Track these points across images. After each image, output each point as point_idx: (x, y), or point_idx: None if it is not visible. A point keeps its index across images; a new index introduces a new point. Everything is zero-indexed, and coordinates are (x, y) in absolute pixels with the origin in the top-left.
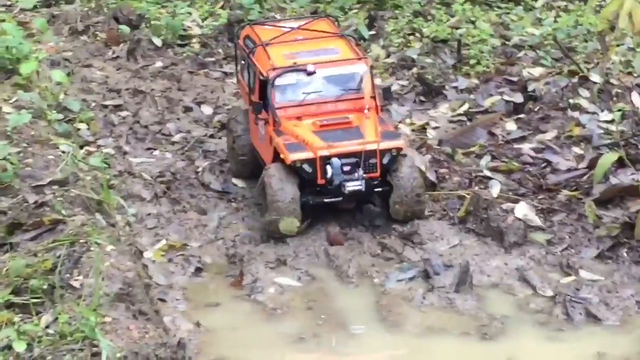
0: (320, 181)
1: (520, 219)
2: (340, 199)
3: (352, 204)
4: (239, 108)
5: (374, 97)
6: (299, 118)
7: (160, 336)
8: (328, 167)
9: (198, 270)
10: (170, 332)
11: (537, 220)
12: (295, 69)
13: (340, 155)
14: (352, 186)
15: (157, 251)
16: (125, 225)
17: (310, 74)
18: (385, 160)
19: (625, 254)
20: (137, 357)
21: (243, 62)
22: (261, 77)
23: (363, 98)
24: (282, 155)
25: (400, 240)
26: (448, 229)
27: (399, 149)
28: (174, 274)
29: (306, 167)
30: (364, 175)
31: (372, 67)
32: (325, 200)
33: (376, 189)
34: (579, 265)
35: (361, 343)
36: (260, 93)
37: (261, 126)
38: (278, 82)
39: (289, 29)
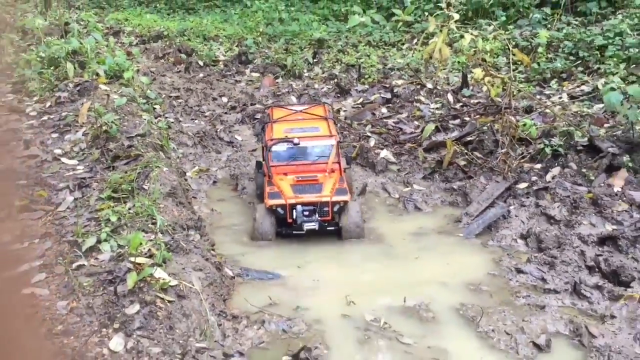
0: (289, 220)
1: (383, 158)
2: (303, 232)
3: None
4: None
5: (338, 162)
6: (285, 174)
7: (190, 216)
8: (294, 211)
9: (215, 182)
10: (196, 214)
11: (392, 159)
12: (285, 140)
13: (303, 204)
14: (309, 226)
15: (193, 172)
16: (177, 159)
17: (295, 144)
18: (335, 209)
19: (437, 177)
20: (176, 225)
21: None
22: (263, 145)
23: (330, 163)
24: (264, 200)
25: None
26: (364, 174)
27: (345, 202)
28: (201, 184)
29: (280, 210)
30: (319, 219)
31: (338, 142)
32: (293, 232)
33: (328, 228)
34: (413, 182)
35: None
36: (263, 155)
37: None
38: (274, 148)
39: (294, 111)
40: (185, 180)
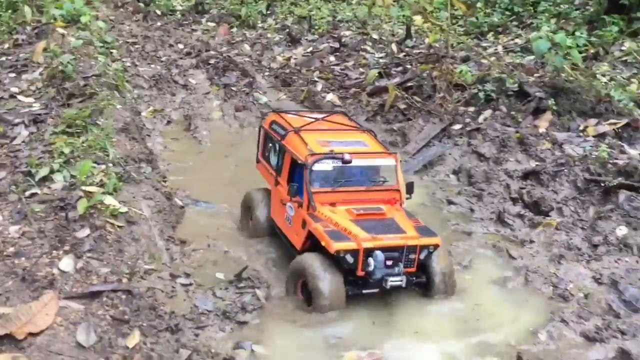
0: (360, 273)
1: (329, 101)
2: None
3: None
4: (257, 190)
5: (399, 190)
6: (333, 204)
7: (142, 150)
8: (370, 260)
9: (169, 122)
10: (150, 150)
11: (337, 102)
12: (332, 156)
13: (384, 249)
14: (394, 282)
15: (148, 112)
16: (132, 99)
17: (346, 162)
18: (422, 256)
19: (379, 119)
20: (128, 158)
21: (270, 145)
22: (299, 162)
23: (391, 190)
24: (322, 242)
25: None
26: (295, 105)
27: (436, 246)
28: (156, 123)
29: (348, 257)
30: (404, 270)
31: (400, 162)
32: (364, 291)
33: (415, 283)
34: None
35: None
36: (289, 176)
37: (290, 208)
38: (316, 167)
39: (314, 119)
40: (141, 120)
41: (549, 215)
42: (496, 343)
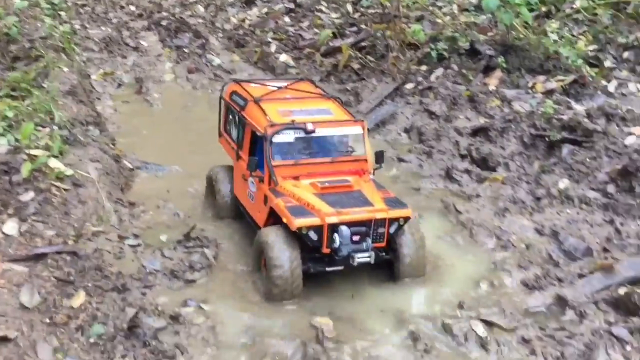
0: (325, 250)
1: (283, 62)
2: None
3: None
4: (221, 167)
5: (366, 160)
6: (296, 178)
7: (90, 113)
8: (336, 235)
9: (120, 85)
10: (99, 113)
11: (291, 63)
12: (294, 126)
13: (350, 223)
14: (361, 258)
15: (98, 75)
16: (81, 62)
17: (308, 132)
18: (392, 230)
19: (333, 79)
20: (75, 120)
21: (231, 117)
22: (258, 134)
23: (358, 160)
24: (284, 219)
25: None
26: (248, 66)
27: (406, 218)
28: (106, 87)
29: (312, 234)
30: (372, 245)
31: (368, 130)
32: (328, 269)
33: (384, 258)
34: None
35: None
36: (251, 149)
37: (252, 183)
38: (276, 139)
39: (277, 88)
40: (90, 84)
41: (495, 171)
42: (440, 292)
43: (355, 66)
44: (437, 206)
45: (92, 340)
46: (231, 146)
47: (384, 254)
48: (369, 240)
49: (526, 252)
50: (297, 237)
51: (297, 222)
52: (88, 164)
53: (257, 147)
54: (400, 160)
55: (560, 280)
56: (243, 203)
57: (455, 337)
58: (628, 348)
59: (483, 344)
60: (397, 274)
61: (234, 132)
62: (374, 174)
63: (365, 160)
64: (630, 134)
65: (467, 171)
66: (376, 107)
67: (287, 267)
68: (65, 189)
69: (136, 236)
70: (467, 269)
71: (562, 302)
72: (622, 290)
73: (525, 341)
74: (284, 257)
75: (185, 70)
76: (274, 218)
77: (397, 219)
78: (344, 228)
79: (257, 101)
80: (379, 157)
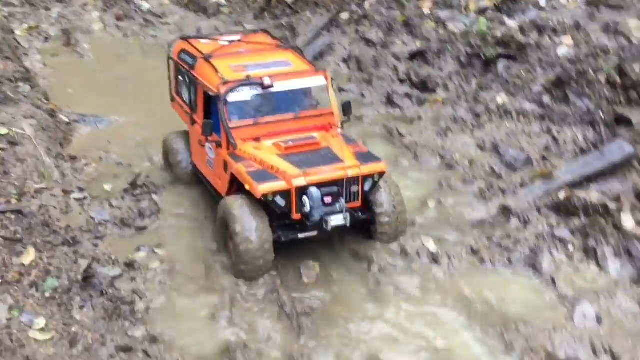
0: (295, 216)
1: (215, 1)
2: (315, 234)
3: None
4: (176, 133)
5: (332, 113)
6: (257, 139)
7: (18, 69)
8: (306, 199)
9: (47, 39)
10: (28, 69)
11: (223, 2)
12: (249, 82)
13: (320, 184)
14: (335, 221)
15: (22, 30)
16: (2, 18)
17: (266, 87)
18: (366, 187)
19: (267, 15)
20: (3, 78)
21: (182, 79)
22: (211, 94)
23: (324, 114)
24: (247, 186)
25: None
26: (179, 9)
27: (381, 173)
28: (32, 41)
29: (278, 200)
30: (346, 206)
31: (332, 80)
32: (300, 235)
33: (361, 218)
34: (244, 22)
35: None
36: (205, 112)
37: (210, 149)
38: (231, 98)
39: (229, 42)
40: (15, 38)
41: (435, 92)
42: None
43: (289, 0)
44: (380, 132)
45: (47, 294)
46: (185, 110)
47: (360, 214)
48: (343, 201)
49: (470, 168)
50: (264, 205)
51: (262, 188)
52: (22, 121)
53: (211, 109)
54: (341, 90)
55: (503, 191)
56: (202, 171)
57: (408, 254)
58: (570, 248)
59: (435, 259)
60: (375, 235)
61: (186, 95)
62: (342, 127)
63: (332, 113)
64: (561, 44)
65: (408, 95)
66: (313, 40)
67: (256, 240)
68: (1, 149)
69: (81, 189)
70: (414, 190)
71: (506, 212)
72: (562, 195)
73: (474, 251)
74: (251, 229)
75: (113, 17)
76: (237, 185)
77: (371, 175)
78: (313, 190)
79: (207, 58)
80: (347, 108)
